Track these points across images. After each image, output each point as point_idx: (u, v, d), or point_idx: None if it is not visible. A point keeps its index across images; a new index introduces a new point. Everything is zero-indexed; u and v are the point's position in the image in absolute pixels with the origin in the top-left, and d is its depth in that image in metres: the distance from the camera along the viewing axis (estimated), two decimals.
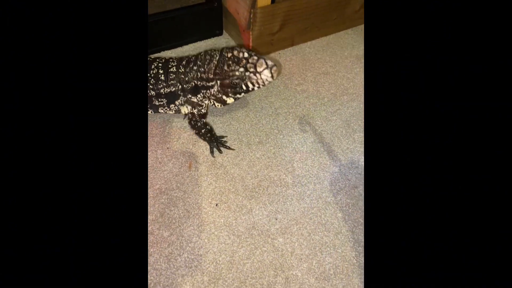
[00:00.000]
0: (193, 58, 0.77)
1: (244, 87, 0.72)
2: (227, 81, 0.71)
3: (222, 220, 0.68)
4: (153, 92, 0.77)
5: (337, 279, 0.61)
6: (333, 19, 1.13)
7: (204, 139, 0.80)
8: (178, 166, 0.76)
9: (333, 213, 0.70)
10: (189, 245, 0.64)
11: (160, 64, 0.77)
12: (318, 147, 0.83)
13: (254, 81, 0.70)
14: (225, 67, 0.71)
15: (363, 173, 0.78)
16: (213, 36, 1.14)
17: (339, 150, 0.83)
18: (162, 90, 0.77)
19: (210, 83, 0.74)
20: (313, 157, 0.81)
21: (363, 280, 0.61)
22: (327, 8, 1.07)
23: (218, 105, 0.79)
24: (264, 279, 0.60)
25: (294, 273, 0.61)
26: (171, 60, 0.78)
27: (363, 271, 0.62)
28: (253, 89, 0.72)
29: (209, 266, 0.61)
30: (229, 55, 0.71)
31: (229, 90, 0.73)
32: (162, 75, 0.76)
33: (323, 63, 1.08)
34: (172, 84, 0.76)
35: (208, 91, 0.76)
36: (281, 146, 0.82)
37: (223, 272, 0.61)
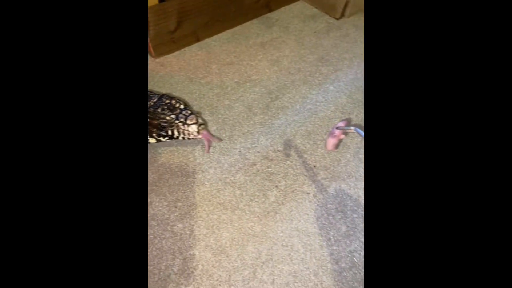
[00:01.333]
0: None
1: (169, 133, 0.75)
2: (156, 121, 0.75)
3: None
4: None
5: (232, 250, 0.66)
6: (232, 11, 1.17)
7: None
8: None
9: (231, 192, 0.75)
10: None
11: None
12: (220, 133, 0.88)
13: (180, 130, 0.75)
14: (159, 109, 0.75)
15: (261, 151, 0.84)
16: None
17: (240, 133, 0.88)
18: None
19: None
20: (214, 144, 0.85)
21: (257, 247, 0.67)
22: (223, 2, 1.12)
23: None
24: (162, 263, 0.64)
25: (191, 253, 0.65)
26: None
27: (257, 239, 0.68)
28: (177, 137, 0.76)
29: None
30: (167, 101, 0.77)
31: (154, 130, 0.76)
32: None
33: (228, 54, 1.12)
34: None
35: None
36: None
37: None
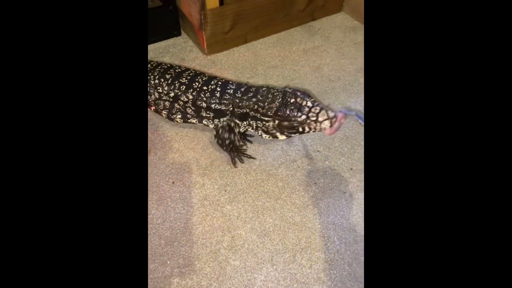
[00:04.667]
0: (253, 88, 0.80)
1: (300, 130, 0.74)
2: (287, 123, 0.74)
3: (178, 195, 0.78)
4: (204, 104, 0.81)
5: (275, 235, 0.73)
6: (280, 18, 1.26)
7: (226, 150, 0.85)
8: None
9: (274, 183, 0.83)
10: (148, 216, 0.74)
11: (219, 82, 0.82)
12: None
13: (312, 127, 0.72)
14: (287, 111, 0.73)
15: (301, 149, 0.91)
16: (172, 37, 1.24)
17: None
18: (213, 106, 0.80)
19: (266, 118, 0.77)
20: (259, 138, 0.93)
21: (297, 235, 0.74)
22: (273, 8, 1.20)
23: (265, 136, 0.81)
24: (213, 239, 0.72)
25: (239, 233, 0.73)
26: (230, 82, 0.83)
27: (297, 227, 0.75)
28: (308, 132, 0.74)
29: (165, 232, 0.72)
30: (292, 100, 0.73)
31: (286, 130, 0.76)
32: (218, 93, 0.80)
33: (273, 58, 1.20)
34: (224, 104, 0.80)
35: (259, 123, 0.79)
36: None
37: (178, 236, 0.71)
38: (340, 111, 0.73)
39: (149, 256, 0.68)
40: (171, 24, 1.20)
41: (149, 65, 0.88)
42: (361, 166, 0.87)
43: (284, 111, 0.73)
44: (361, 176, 0.85)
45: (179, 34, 1.24)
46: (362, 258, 0.71)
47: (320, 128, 0.72)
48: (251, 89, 0.80)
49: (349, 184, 0.84)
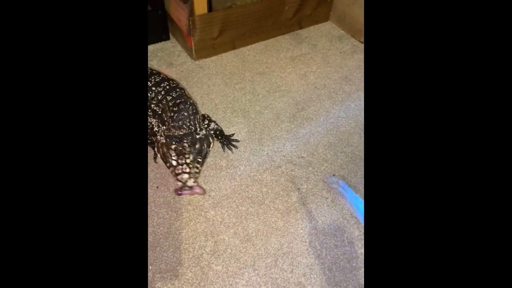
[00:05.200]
0: (186, 106, 0.79)
1: (168, 165, 0.70)
2: (165, 150, 0.70)
3: (162, 200, 0.78)
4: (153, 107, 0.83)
5: (257, 240, 0.74)
6: (269, 25, 1.28)
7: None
8: None
9: (258, 189, 0.84)
10: None
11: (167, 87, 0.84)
12: (251, 135, 0.97)
13: (173, 173, 0.68)
14: (174, 144, 0.69)
15: (286, 155, 0.93)
16: (161, 41, 1.24)
17: (268, 137, 0.97)
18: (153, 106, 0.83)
19: (160, 132, 0.75)
20: (245, 144, 0.94)
21: (279, 240, 0.75)
22: (261, 16, 1.22)
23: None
24: (196, 244, 0.72)
25: (221, 238, 0.74)
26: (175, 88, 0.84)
27: (279, 232, 0.76)
28: (171, 172, 0.69)
29: (148, 237, 0.72)
30: (185, 144, 0.69)
31: (165, 151, 0.70)
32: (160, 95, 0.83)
33: (260, 64, 1.22)
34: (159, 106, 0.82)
35: (156, 128, 0.80)
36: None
37: (161, 241, 0.71)
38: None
39: None
40: (159, 28, 1.20)
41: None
42: (343, 172, 0.90)
43: (172, 143, 0.70)
44: (343, 182, 0.88)
45: (167, 38, 1.24)
46: (342, 263, 0.73)
47: (176, 179, 0.67)
48: (184, 106, 0.79)
49: (331, 189, 0.86)
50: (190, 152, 0.69)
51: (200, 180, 0.84)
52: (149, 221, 0.74)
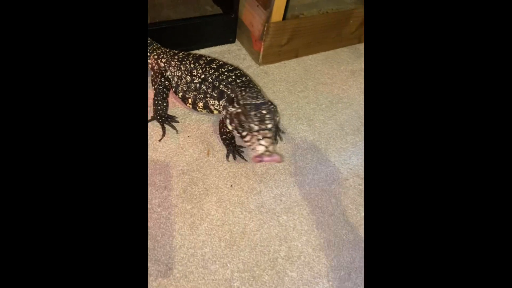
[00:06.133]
0: (251, 84, 0.84)
1: (244, 134, 0.72)
2: (244, 118, 0.71)
3: (236, 199, 0.80)
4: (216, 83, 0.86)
5: (330, 250, 0.74)
6: (332, 37, 1.29)
7: (224, 143, 0.88)
8: (197, 152, 0.87)
9: (327, 199, 0.84)
10: (208, 217, 0.75)
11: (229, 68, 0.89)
12: (317, 145, 0.97)
13: (251, 140, 0.69)
14: (253, 112, 0.71)
15: (353, 168, 0.92)
16: (227, 43, 1.27)
17: (333, 148, 0.97)
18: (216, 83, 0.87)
19: (235, 105, 0.77)
20: (312, 152, 0.94)
21: (351, 253, 0.74)
22: (327, 27, 1.24)
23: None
24: (271, 247, 0.72)
25: (295, 244, 0.74)
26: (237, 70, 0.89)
27: (351, 246, 0.75)
28: (245, 141, 0.71)
29: (225, 235, 0.73)
30: (264, 112, 0.71)
31: (237, 123, 0.73)
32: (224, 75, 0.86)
33: (322, 75, 1.23)
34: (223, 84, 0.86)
35: (227, 105, 0.81)
36: (285, 142, 0.96)
37: (237, 240, 0.72)
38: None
39: (210, 257, 0.69)
40: (229, 31, 1.23)
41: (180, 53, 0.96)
42: None
43: (252, 109, 0.72)
44: None
45: (233, 41, 1.28)
46: None
47: (254, 148, 0.68)
48: (249, 84, 0.84)
49: None
50: (270, 119, 0.71)
51: (271, 182, 0.85)
52: (225, 219, 0.75)
